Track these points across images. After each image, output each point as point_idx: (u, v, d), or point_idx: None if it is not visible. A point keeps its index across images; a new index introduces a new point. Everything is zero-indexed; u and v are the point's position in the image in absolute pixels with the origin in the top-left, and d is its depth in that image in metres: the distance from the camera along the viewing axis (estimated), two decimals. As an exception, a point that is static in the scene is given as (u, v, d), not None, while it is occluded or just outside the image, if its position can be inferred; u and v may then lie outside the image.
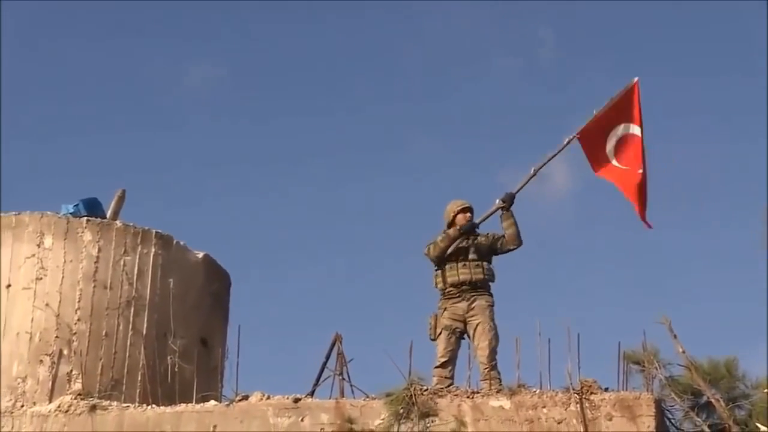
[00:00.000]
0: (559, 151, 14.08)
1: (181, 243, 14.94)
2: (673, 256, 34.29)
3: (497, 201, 13.73)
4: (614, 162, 14.38)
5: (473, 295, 13.34)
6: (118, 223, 14.68)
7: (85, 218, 14.50)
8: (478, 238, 13.60)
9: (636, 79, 14.32)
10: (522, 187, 13.82)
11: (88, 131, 36.62)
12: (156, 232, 14.70)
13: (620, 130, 14.36)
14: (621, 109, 14.34)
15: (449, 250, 13.53)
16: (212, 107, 37.78)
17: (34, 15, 37.30)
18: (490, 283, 13.52)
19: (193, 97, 37.88)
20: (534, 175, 13.88)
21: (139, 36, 38.34)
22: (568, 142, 14.08)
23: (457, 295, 13.35)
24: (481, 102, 36.87)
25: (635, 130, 14.34)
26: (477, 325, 13.19)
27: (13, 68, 36.34)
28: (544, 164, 13.95)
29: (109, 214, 14.90)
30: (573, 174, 36.74)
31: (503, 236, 13.62)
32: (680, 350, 12.70)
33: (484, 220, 13.75)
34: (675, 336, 12.60)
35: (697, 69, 37.23)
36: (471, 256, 13.52)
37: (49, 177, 33.41)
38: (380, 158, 35.94)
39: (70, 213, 14.59)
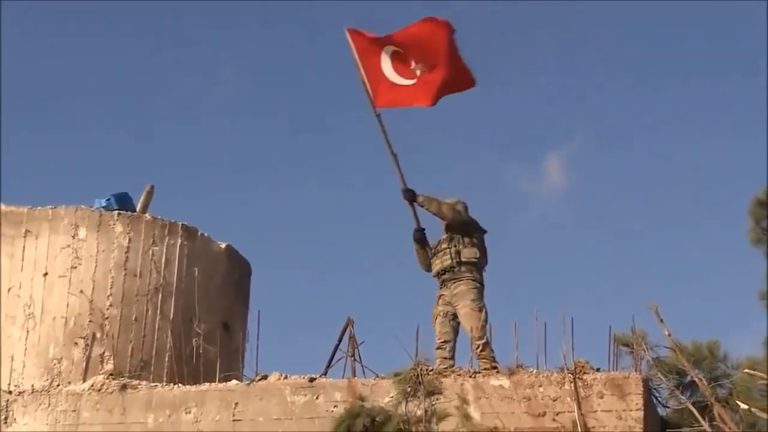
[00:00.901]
0: (384, 130, 13.97)
1: (205, 234, 15.00)
2: (661, 248, 34.29)
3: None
4: (403, 82, 14.12)
5: (454, 282, 13.48)
6: (147, 216, 14.75)
7: (117, 211, 14.59)
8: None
9: (345, 28, 14.17)
10: (401, 176, 13.83)
11: (118, 131, 36.65)
12: (182, 224, 14.77)
13: (383, 61, 14.11)
14: (365, 50, 14.11)
15: (431, 255, 13.74)
16: (229, 106, 37.59)
17: (65, 18, 37.29)
18: (471, 266, 13.52)
19: (213, 96, 37.71)
20: (396, 159, 13.85)
21: (165, 36, 38.16)
22: (379, 119, 13.98)
23: (442, 284, 13.55)
24: (480, 102, 36.69)
25: (390, 50, 14.08)
26: (460, 309, 13.36)
27: (40, 70, 36.43)
28: (390, 147, 13.91)
29: (138, 207, 14.98)
30: (567, 170, 36.83)
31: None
32: (666, 333, 12.69)
33: (417, 220, 13.88)
34: (661, 320, 12.57)
35: (695, 69, 36.89)
36: (443, 245, 13.68)
37: (83, 173, 33.44)
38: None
39: (103, 207, 14.68)
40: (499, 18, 38.05)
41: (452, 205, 13.68)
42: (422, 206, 13.71)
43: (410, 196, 13.72)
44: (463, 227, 13.62)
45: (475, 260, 13.55)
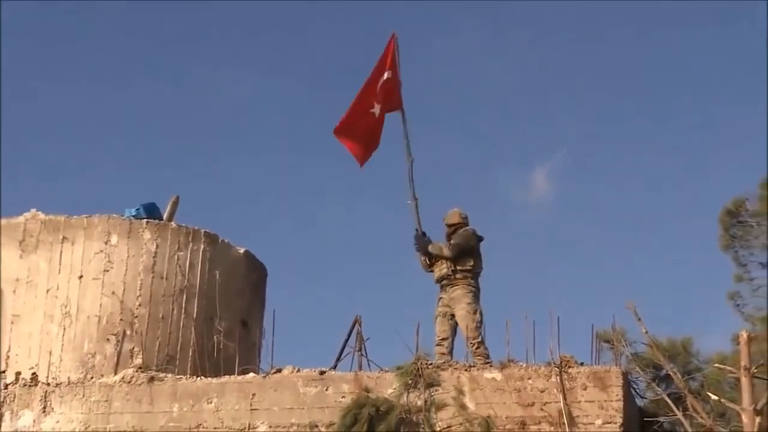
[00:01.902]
0: (407, 136, 14.05)
1: (225, 241, 15.09)
2: (639, 253, 34.30)
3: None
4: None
5: (451, 287, 13.69)
6: (173, 223, 14.84)
7: (145, 220, 14.68)
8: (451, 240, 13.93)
9: (393, 32, 14.20)
10: (418, 221, 13.98)
11: (144, 143, 36.72)
12: (204, 231, 14.86)
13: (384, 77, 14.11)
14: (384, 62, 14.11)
15: (433, 261, 13.88)
16: (258, 125, 37.47)
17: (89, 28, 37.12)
18: (467, 273, 13.69)
19: (242, 115, 37.56)
20: (416, 205, 13.97)
21: (186, 45, 38.02)
22: (403, 118, 14.05)
23: (441, 288, 13.79)
24: (477, 106, 36.58)
25: (388, 74, 14.09)
26: (458, 311, 13.59)
27: (70, 84, 36.37)
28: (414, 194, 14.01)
29: (165, 216, 15.06)
30: (553, 181, 36.83)
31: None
32: (644, 331, 12.88)
33: (419, 226, 14.07)
34: (639, 319, 12.75)
35: (688, 70, 36.86)
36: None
37: (114, 184, 33.51)
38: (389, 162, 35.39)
39: (133, 216, 14.77)
40: (494, 27, 37.95)
41: (447, 247, 13.80)
42: (432, 252, 13.86)
43: (423, 249, 13.91)
44: (463, 254, 13.78)
45: (470, 268, 13.78)
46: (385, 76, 14.02)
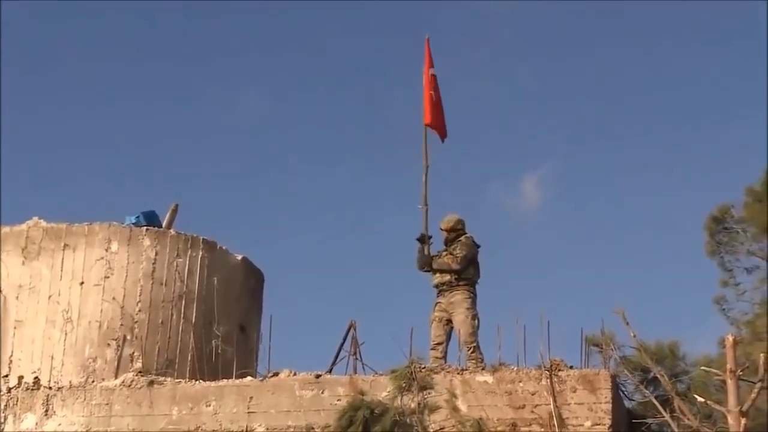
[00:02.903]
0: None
1: (224, 247, 15.08)
2: (627, 258, 34.39)
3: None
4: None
5: (450, 292, 13.65)
6: (172, 231, 14.83)
7: (145, 227, 14.67)
8: (456, 250, 13.82)
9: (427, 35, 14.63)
10: (426, 225, 14.00)
11: (150, 155, 36.77)
12: (203, 238, 14.84)
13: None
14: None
15: (434, 266, 13.82)
16: (256, 133, 37.54)
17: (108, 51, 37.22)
18: (467, 281, 13.68)
19: (242, 123, 37.60)
20: (426, 212, 13.98)
21: (198, 65, 38.14)
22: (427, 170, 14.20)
23: (439, 293, 13.72)
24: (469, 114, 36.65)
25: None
26: (456, 316, 13.53)
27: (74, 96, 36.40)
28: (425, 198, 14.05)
29: (164, 223, 15.05)
30: (542, 189, 36.86)
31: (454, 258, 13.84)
32: (632, 335, 12.80)
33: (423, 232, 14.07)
34: (627, 323, 12.67)
35: (681, 72, 36.86)
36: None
37: (115, 193, 33.52)
38: (391, 170, 35.49)
39: (133, 223, 14.76)
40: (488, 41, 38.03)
41: (454, 259, 13.75)
42: (438, 268, 13.83)
43: (427, 264, 13.86)
44: (469, 265, 13.75)
45: (470, 276, 13.77)
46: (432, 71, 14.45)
